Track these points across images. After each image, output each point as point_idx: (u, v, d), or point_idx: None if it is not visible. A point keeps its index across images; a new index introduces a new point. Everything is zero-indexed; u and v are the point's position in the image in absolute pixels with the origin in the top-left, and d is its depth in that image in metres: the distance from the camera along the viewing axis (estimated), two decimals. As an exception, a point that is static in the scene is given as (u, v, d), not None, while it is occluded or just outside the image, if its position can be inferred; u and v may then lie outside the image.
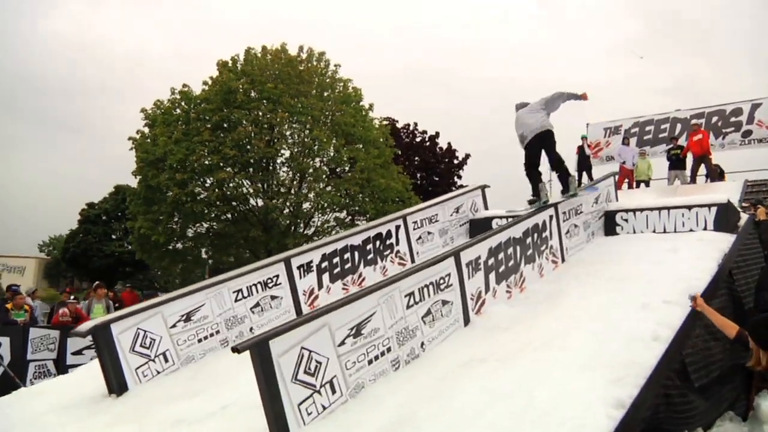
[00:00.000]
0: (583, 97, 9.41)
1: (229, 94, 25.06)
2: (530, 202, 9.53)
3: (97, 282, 14.50)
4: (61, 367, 11.23)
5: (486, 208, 12.72)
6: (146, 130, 26.32)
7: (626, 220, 10.38)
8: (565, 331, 6.02)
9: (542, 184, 9.38)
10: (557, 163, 9.64)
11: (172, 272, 29.14)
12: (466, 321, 6.97)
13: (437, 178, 37.58)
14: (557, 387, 4.65)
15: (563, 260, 9.25)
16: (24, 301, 12.26)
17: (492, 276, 7.54)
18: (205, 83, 26.21)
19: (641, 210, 10.32)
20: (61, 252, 52.49)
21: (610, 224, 10.53)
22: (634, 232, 10.24)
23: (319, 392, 5.24)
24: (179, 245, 27.13)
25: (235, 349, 4.88)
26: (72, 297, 13.65)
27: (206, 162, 24.39)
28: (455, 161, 38.82)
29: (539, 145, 9.33)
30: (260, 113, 25.39)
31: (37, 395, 7.96)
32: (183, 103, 26.13)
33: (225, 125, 25.14)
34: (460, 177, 38.58)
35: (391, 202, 26.97)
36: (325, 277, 9.74)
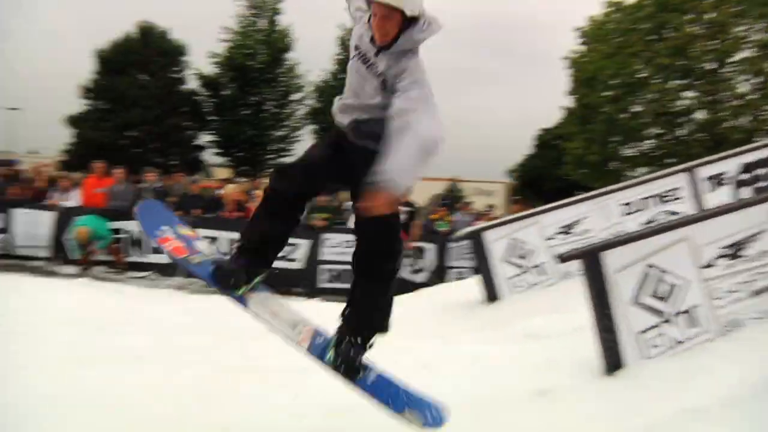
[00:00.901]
0: None
1: (664, -5, 22.37)
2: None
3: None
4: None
5: None
6: (582, 48, 25.70)
7: None
8: None
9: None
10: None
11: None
12: None
13: None
14: None
15: None
16: (442, 213, 13.37)
17: None
18: (638, -11, 23.98)
19: None
20: (517, 176, 56.48)
21: None
22: None
23: (670, 322, 4.25)
24: (614, 165, 26.04)
25: (560, 257, 4.31)
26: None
27: (639, 75, 22.53)
28: None
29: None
30: (704, 13, 22.01)
31: (433, 294, 8.68)
32: (615, 16, 24.49)
33: (661, 32, 22.63)
34: None
35: None
36: (744, 192, 7.95)
